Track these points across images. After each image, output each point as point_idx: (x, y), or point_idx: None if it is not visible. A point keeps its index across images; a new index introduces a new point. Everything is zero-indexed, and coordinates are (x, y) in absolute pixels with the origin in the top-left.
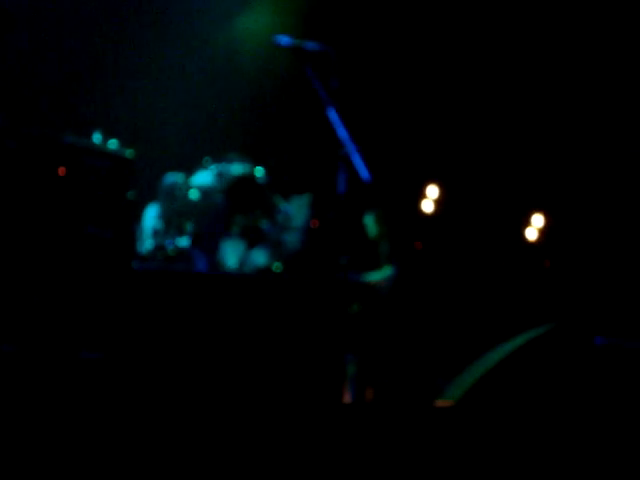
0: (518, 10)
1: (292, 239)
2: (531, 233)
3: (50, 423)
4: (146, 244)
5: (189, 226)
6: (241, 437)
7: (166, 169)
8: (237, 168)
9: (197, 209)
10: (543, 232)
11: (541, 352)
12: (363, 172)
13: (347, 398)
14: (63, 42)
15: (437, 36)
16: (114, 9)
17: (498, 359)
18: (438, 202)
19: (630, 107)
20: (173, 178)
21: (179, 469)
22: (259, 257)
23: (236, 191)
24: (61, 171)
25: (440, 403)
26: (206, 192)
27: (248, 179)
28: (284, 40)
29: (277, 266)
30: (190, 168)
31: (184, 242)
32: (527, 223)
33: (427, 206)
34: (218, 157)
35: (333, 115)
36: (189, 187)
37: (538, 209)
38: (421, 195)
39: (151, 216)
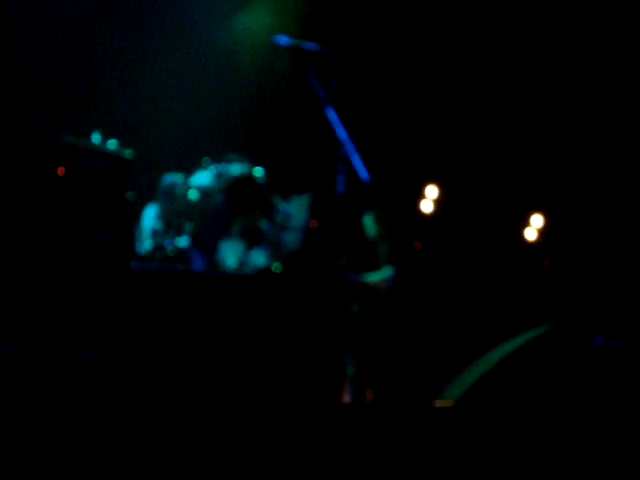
0: (517, 10)
1: (291, 239)
2: (530, 233)
3: (50, 423)
4: (145, 244)
5: (188, 226)
6: (241, 437)
7: (165, 169)
8: (236, 168)
9: (196, 209)
10: (542, 232)
11: (541, 352)
12: (362, 172)
13: (347, 398)
14: (62, 42)
15: (436, 36)
16: (114, 9)
17: (498, 359)
18: (437, 202)
19: (630, 107)
20: (172, 178)
21: (179, 469)
22: (258, 257)
23: (235, 191)
24: (60, 171)
25: (440, 403)
26: (205, 192)
27: (247, 179)
28: (283, 40)
29: (276, 266)
30: (189, 168)
31: (183, 242)
32: (526, 223)
33: (426, 206)
34: (217, 157)
35: (332, 115)
36: (188, 187)
37: (537, 209)
38: (420, 195)
39: (150, 216)
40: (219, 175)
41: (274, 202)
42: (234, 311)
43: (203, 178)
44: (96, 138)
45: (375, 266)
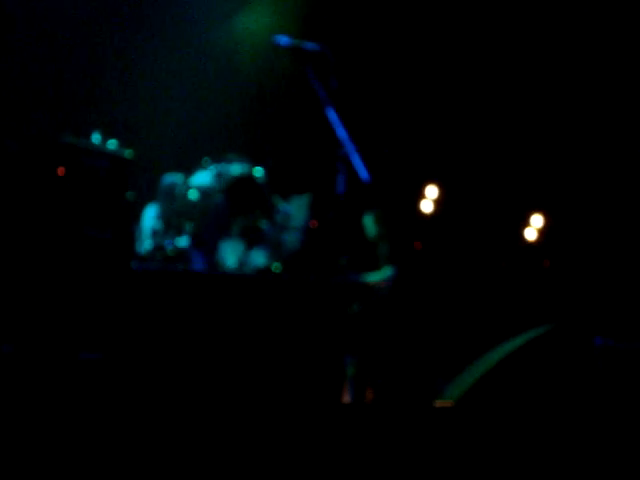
0: (517, 10)
1: (291, 239)
2: (530, 233)
3: (49, 423)
4: (145, 244)
5: (188, 226)
6: (241, 437)
7: (165, 169)
8: (236, 168)
9: (196, 209)
10: (542, 232)
11: (541, 352)
12: (362, 172)
13: (347, 398)
14: (62, 42)
15: (436, 37)
16: (114, 9)
17: (498, 359)
18: (437, 202)
19: (629, 107)
20: (172, 178)
21: (179, 469)
22: (258, 257)
23: (235, 191)
24: (60, 171)
25: (440, 403)
26: (205, 192)
27: (247, 179)
28: (283, 40)
29: (276, 266)
30: (189, 168)
31: (183, 242)
32: (526, 223)
33: (426, 206)
34: (217, 157)
35: (332, 115)
36: (188, 187)
37: (537, 209)
38: (420, 195)
39: (150, 216)
40: (219, 175)
41: (274, 202)
42: (234, 311)
43: (203, 178)
44: (96, 138)
45: (375, 266)
